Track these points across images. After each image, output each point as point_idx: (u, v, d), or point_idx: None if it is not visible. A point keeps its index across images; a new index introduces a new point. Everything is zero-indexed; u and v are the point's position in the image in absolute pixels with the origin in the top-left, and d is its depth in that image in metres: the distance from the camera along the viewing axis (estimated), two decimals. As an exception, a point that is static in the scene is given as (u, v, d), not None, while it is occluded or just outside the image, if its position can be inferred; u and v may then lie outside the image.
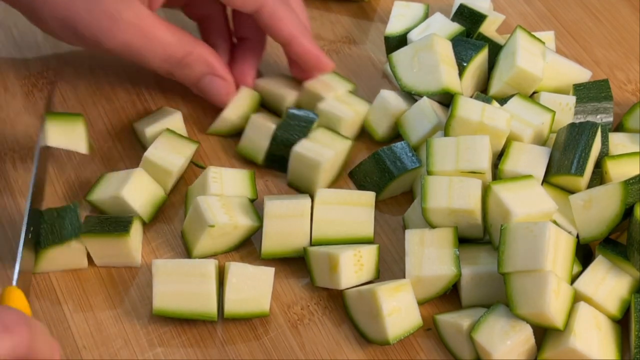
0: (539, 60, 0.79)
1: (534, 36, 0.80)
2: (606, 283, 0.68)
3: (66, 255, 0.70)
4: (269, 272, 0.69)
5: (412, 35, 0.83)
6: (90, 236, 0.69)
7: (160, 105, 0.82)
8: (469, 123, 0.72)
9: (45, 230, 0.70)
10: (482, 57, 0.80)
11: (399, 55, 0.79)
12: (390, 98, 0.79)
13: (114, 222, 0.70)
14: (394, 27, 0.85)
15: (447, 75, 0.77)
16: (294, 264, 0.73)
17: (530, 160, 0.72)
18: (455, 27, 0.83)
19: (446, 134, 0.74)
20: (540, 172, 0.72)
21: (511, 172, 0.72)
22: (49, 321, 0.69)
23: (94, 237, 0.69)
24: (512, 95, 0.77)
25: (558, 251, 0.65)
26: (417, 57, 0.78)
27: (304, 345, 0.69)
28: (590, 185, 0.73)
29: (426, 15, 0.86)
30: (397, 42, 0.80)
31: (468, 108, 0.73)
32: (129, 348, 0.68)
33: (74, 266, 0.71)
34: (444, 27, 0.83)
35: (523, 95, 0.77)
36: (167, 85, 0.83)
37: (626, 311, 0.68)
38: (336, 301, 0.71)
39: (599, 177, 0.74)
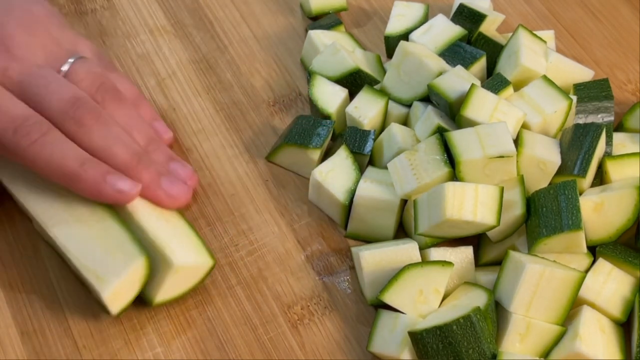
0: (541, 58, 0.79)
1: (535, 35, 0.81)
2: (608, 286, 0.68)
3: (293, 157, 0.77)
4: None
5: (413, 36, 0.83)
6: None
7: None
8: (479, 116, 0.72)
9: (296, 130, 0.77)
10: (479, 64, 0.80)
11: (390, 77, 0.79)
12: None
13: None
14: (394, 27, 0.85)
15: (435, 64, 0.77)
16: (294, 263, 0.73)
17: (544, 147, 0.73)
18: (457, 30, 0.82)
19: (458, 125, 0.74)
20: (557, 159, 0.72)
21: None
22: (48, 321, 0.69)
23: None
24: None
25: (542, 290, 0.65)
26: (401, 69, 0.78)
27: (304, 345, 0.69)
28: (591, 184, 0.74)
29: (426, 15, 0.86)
30: (397, 42, 0.80)
31: (481, 101, 0.73)
32: (129, 348, 0.68)
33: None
34: (445, 28, 0.83)
35: (548, 79, 0.76)
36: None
37: (629, 313, 0.68)
38: (336, 301, 0.71)
39: (598, 177, 0.74)
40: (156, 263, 0.67)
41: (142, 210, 0.69)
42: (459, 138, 0.70)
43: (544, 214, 0.68)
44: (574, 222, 0.67)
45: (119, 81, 0.76)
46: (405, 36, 0.84)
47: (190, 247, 0.69)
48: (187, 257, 0.67)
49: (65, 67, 0.71)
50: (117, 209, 0.69)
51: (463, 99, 0.73)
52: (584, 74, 0.82)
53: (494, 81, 0.77)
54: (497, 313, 0.67)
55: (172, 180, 0.71)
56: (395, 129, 0.75)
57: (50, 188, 0.70)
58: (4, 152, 0.68)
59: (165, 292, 0.68)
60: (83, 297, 0.70)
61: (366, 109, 0.77)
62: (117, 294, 0.65)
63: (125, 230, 0.67)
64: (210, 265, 0.69)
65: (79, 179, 0.67)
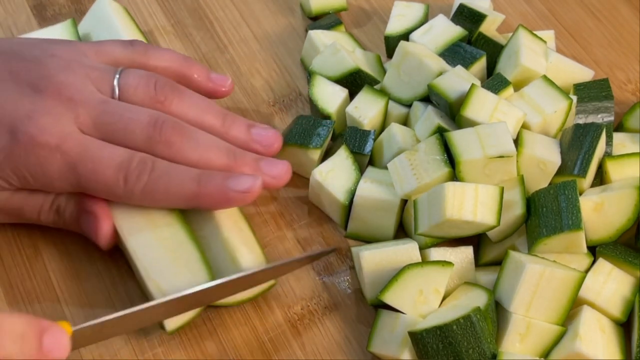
0: (542, 58, 0.79)
1: (535, 35, 0.81)
2: (608, 286, 0.68)
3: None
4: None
5: (414, 37, 0.83)
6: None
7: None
8: (479, 116, 0.72)
9: (296, 130, 0.76)
10: (479, 64, 0.80)
11: (391, 77, 0.79)
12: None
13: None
14: (394, 27, 0.85)
15: (435, 64, 0.77)
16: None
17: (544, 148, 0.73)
18: (458, 30, 0.82)
19: (458, 125, 0.74)
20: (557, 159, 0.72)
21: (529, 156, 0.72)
22: (48, 321, 0.69)
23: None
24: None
25: (542, 290, 0.65)
26: (401, 69, 0.78)
27: (304, 345, 0.69)
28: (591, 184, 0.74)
29: (426, 15, 0.86)
30: (397, 42, 0.80)
31: (481, 101, 0.73)
32: (129, 348, 0.68)
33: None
34: (446, 29, 0.83)
35: (548, 79, 0.76)
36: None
37: (629, 313, 0.68)
38: (336, 301, 0.71)
39: (598, 177, 0.74)
40: (223, 265, 0.67)
41: (223, 216, 0.70)
42: (459, 138, 0.70)
43: (544, 214, 0.68)
44: (574, 222, 0.67)
45: (160, 57, 0.76)
46: (405, 36, 0.84)
47: (258, 260, 0.69)
48: (255, 266, 0.68)
49: (115, 85, 0.71)
50: (200, 213, 0.70)
51: (463, 99, 0.73)
52: (584, 74, 0.82)
53: (494, 81, 0.77)
54: (497, 313, 0.67)
55: (270, 162, 0.72)
56: (395, 129, 0.75)
57: None
58: (114, 198, 0.68)
59: None
60: (83, 297, 0.70)
61: (366, 109, 0.77)
62: None
63: (196, 248, 0.68)
64: (271, 283, 0.70)
65: (202, 197, 0.68)
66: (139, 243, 0.68)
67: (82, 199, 0.69)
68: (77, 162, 0.67)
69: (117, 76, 0.71)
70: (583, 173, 0.71)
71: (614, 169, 0.73)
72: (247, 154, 0.72)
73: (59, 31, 0.82)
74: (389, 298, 0.67)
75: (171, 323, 0.67)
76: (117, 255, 0.72)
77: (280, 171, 0.72)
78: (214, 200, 0.68)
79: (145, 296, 0.68)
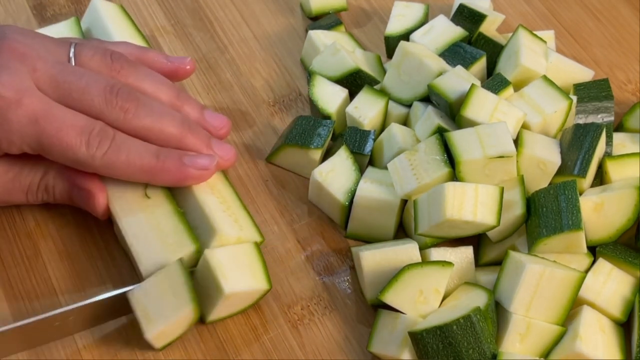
0: (541, 59, 0.79)
1: (535, 35, 0.81)
2: (608, 286, 0.68)
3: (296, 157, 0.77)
4: None
5: (414, 37, 0.83)
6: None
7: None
8: (479, 116, 0.72)
9: (296, 130, 0.77)
10: (479, 64, 0.80)
11: (390, 77, 0.79)
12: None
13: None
14: (394, 27, 0.85)
15: (435, 64, 0.77)
16: (294, 263, 0.73)
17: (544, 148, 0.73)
18: (458, 31, 0.82)
19: (458, 125, 0.74)
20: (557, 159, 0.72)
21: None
22: (48, 321, 0.69)
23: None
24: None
25: (542, 291, 0.65)
26: (401, 69, 0.78)
27: (304, 345, 0.69)
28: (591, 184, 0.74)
29: (426, 16, 0.86)
30: (397, 42, 0.80)
31: (481, 101, 0.73)
32: (129, 348, 0.68)
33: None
34: (446, 30, 0.83)
35: (548, 79, 0.77)
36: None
37: (629, 313, 0.68)
38: (336, 301, 0.71)
39: (598, 177, 0.74)
40: (211, 285, 0.67)
41: (224, 225, 0.70)
42: (459, 138, 0.70)
43: (544, 214, 0.68)
44: (574, 222, 0.67)
45: (116, 45, 0.76)
46: (405, 36, 0.84)
47: (247, 271, 0.68)
48: (239, 284, 0.67)
49: (71, 55, 0.71)
50: (198, 219, 0.70)
51: (463, 99, 0.73)
52: (584, 74, 0.82)
53: (494, 81, 0.77)
54: (497, 313, 0.67)
55: (220, 142, 0.74)
56: (395, 129, 0.75)
57: (142, 211, 0.71)
58: (71, 162, 0.68)
59: (217, 313, 0.68)
60: (83, 298, 0.70)
61: (366, 109, 0.77)
62: (162, 333, 0.66)
63: (184, 273, 0.67)
64: (265, 289, 0.69)
65: (160, 171, 0.69)
66: (130, 224, 0.69)
67: (71, 176, 0.70)
68: (40, 118, 0.67)
69: (73, 49, 0.72)
70: (583, 173, 0.71)
71: (614, 169, 0.73)
72: (200, 128, 0.73)
73: (62, 30, 0.82)
74: (389, 298, 0.67)
75: (159, 340, 0.67)
76: (117, 255, 0.72)
77: (229, 153, 0.73)
78: (171, 176, 0.69)
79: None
